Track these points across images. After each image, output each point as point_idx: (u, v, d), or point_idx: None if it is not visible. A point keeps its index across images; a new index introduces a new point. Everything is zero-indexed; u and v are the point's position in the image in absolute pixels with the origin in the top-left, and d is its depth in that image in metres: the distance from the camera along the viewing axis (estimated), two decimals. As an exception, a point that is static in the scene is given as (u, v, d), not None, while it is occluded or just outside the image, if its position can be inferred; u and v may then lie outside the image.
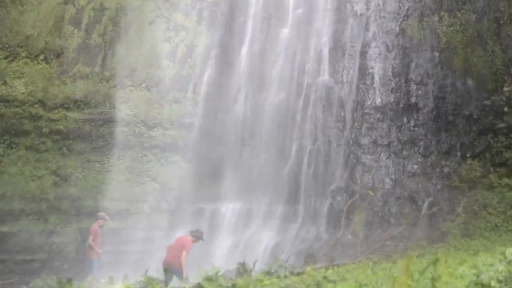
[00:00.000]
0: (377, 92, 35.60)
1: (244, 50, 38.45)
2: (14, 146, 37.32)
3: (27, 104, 37.16)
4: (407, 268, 4.32)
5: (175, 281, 23.70)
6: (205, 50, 38.56)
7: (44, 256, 36.06)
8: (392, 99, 35.41)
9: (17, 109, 37.03)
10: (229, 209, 35.16)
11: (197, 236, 25.41)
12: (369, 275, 19.70)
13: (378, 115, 35.39)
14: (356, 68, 36.38)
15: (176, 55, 40.58)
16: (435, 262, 7.57)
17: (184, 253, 24.26)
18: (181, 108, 39.74)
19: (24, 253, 35.71)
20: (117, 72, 39.68)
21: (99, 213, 29.44)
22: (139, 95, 39.57)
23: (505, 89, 34.41)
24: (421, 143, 34.78)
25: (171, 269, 24.23)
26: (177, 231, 34.23)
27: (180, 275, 24.03)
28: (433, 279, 7.52)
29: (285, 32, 38.31)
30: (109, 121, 38.78)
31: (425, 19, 36.45)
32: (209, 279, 5.11)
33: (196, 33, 41.00)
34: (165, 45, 40.73)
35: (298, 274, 25.06)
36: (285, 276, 22.91)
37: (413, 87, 35.47)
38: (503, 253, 9.21)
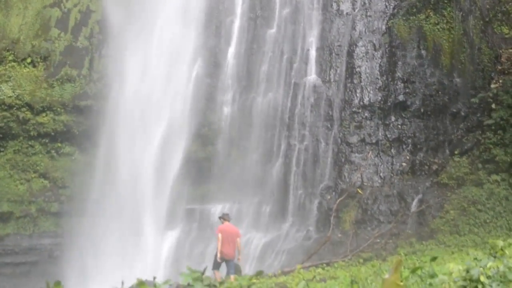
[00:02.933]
0: (365, 91, 35.68)
1: (231, 50, 38.40)
2: (2, 149, 37.18)
3: (14, 108, 36.99)
4: (396, 269, 4.36)
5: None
6: (193, 51, 38.07)
7: (33, 259, 35.89)
8: (380, 98, 35.50)
9: (5, 113, 36.87)
10: (218, 209, 35.12)
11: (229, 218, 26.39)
12: (358, 272, 19.80)
13: (366, 114, 35.48)
14: (343, 67, 36.46)
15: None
16: (433, 259, 7.64)
17: (239, 239, 25.40)
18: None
19: (13, 256, 35.54)
20: None
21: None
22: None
23: (492, 86, 34.52)
24: (409, 141, 34.89)
25: (228, 258, 24.95)
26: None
27: (232, 265, 24.94)
28: (430, 276, 7.56)
29: (272, 32, 38.31)
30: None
31: (411, 17, 36.56)
32: (197, 278, 5.13)
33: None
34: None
35: (288, 273, 25.19)
36: (275, 276, 23.02)
37: (400, 85, 35.57)
38: (492, 248, 9.27)
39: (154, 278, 6.09)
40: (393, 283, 4.38)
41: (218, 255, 24.94)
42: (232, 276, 24.25)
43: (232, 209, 35.06)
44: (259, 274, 6.96)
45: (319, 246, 29.90)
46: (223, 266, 25.20)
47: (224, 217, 26.06)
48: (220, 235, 25.01)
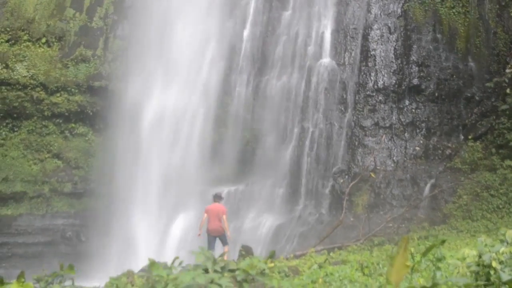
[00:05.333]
0: (379, 74, 35.56)
1: (246, 33, 38.31)
2: (16, 129, 37.27)
3: (29, 88, 37.06)
4: (404, 249, 4.32)
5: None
6: (208, 33, 37.90)
7: (46, 239, 36.02)
8: (394, 81, 35.39)
9: (19, 93, 36.95)
10: (231, 191, 35.12)
11: (221, 198, 27.80)
12: (370, 256, 19.79)
13: (380, 97, 35.38)
14: (358, 50, 36.34)
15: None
16: (442, 243, 7.62)
17: (224, 217, 26.42)
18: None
19: (26, 236, 35.68)
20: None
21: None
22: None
23: (508, 70, 34.38)
24: (423, 125, 34.79)
25: (216, 235, 26.27)
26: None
27: (224, 239, 26.31)
28: (438, 260, 7.55)
29: (287, 14, 38.19)
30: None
31: (427, 1, 36.36)
32: (209, 258, 5.15)
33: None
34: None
35: (300, 256, 25.18)
36: (287, 259, 23.03)
37: (415, 69, 35.44)
38: (504, 234, 9.25)
39: (175, 258, 6.09)
40: (402, 264, 4.35)
41: (199, 231, 26.60)
42: (226, 247, 25.93)
43: (245, 192, 35.11)
44: (272, 255, 6.97)
45: (331, 230, 29.89)
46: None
47: (215, 197, 27.29)
48: (205, 215, 26.63)
